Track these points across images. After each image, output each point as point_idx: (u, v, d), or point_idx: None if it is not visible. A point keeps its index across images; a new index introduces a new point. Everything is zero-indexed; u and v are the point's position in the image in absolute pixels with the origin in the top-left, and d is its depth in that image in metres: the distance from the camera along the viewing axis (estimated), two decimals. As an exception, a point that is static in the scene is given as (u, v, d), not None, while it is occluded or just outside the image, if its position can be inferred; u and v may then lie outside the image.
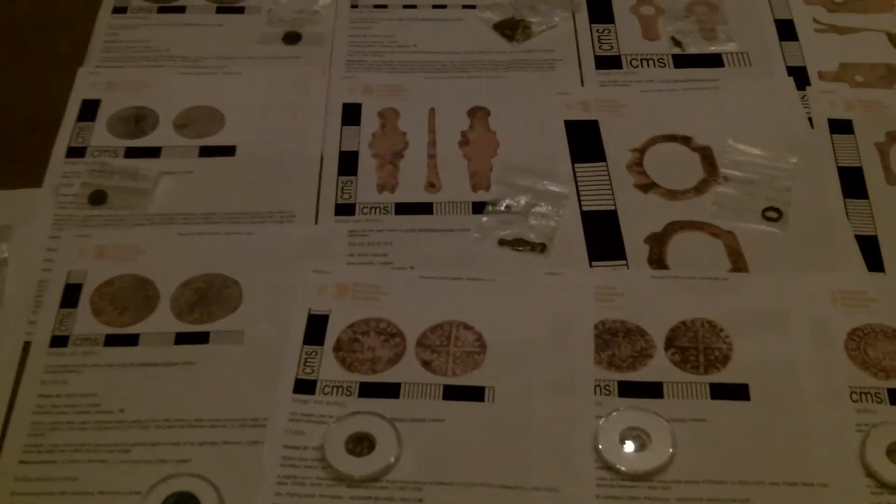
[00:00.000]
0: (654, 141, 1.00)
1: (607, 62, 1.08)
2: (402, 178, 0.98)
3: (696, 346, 0.86)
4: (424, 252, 0.93)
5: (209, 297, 0.89)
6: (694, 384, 0.84)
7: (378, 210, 0.96)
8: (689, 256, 0.92)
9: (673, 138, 1.00)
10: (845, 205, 0.95)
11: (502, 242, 0.93)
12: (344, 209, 0.96)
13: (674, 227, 0.94)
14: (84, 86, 1.06)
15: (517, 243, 0.93)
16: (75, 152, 1.00)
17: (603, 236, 0.93)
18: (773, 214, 0.94)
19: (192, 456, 0.81)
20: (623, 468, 0.79)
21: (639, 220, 0.94)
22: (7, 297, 0.90)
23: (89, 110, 1.04)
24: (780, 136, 1.00)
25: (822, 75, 1.06)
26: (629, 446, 0.80)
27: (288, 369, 0.85)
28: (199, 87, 1.06)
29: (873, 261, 0.91)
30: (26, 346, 0.87)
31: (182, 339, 0.87)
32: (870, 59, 1.07)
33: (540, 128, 1.02)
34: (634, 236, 0.93)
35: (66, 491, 0.79)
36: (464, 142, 1.01)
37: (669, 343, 0.86)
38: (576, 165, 0.98)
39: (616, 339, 0.86)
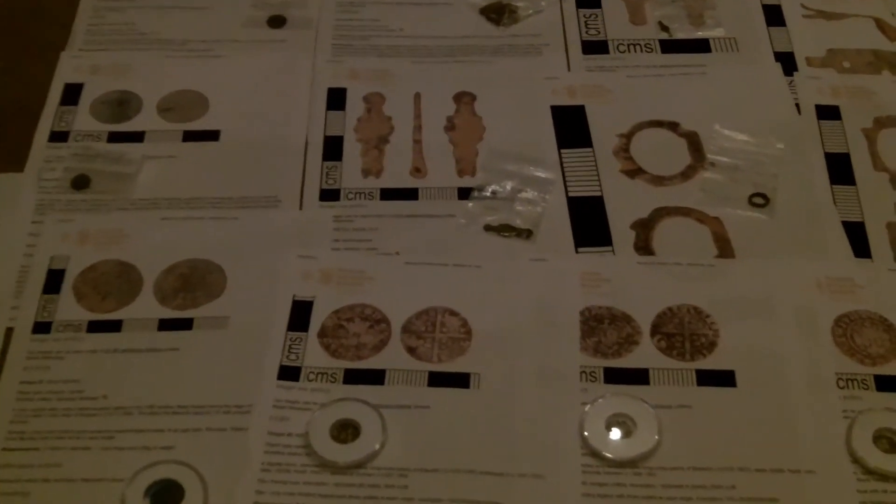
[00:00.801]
0: (641, 126, 1.00)
1: (594, 47, 1.07)
2: (388, 163, 0.98)
3: (682, 332, 0.85)
4: (410, 238, 0.92)
5: (193, 282, 0.89)
6: (680, 371, 0.83)
7: (363, 195, 0.95)
8: (675, 242, 0.92)
9: (660, 124, 1.00)
10: (832, 191, 0.95)
11: (488, 228, 0.92)
12: (329, 194, 0.95)
13: (660, 213, 0.93)
14: (67, 69, 1.05)
15: (503, 229, 0.92)
16: (58, 136, 1.00)
17: (589, 222, 0.93)
18: (759, 200, 0.94)
19: (175, 443, 0.80)
20: (609, 455, 0.79)
21: (625, 205, 0.94)
22: (-11, 282, 0.89)
23: (72, 94, 1.03)
24: (767, 122, 1.00)
25: (809, 61, 1.05)
26: (615, 433, 0.80)
27: (272, 356, 0.85)
28: (184, 71, 1.05)
29: (860, 247, 0.91)
30: (9, 333, 0.86)
31: (166, 325, 0.87)
32: (857, 44, 1.07)
33: (526, 113, 1.01)
34: (621, 222, 0.93)
35: (49, 478, 0.79)
36: (450, 127, 1.00)
37: (655, 329, 0.86)
38: (562, 151, 0.98)
39: (602, 326, 0.86)
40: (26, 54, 1.07)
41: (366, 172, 0.97)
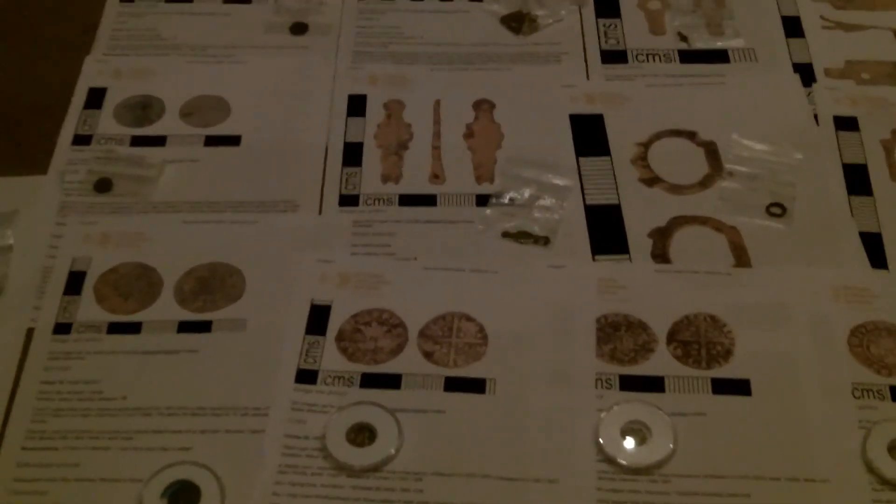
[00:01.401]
0: (659, 135, 1.00)
1: (613, 56, 1.08)
2: (407, 169, 0.98)
3: (698, 340, 0.86)
4: (428, 243, 0.93)
5: (212, 285, 0.90)
6: (695, 378, 0.84)
7: (382, 201, 0.96)
8: (692, 251, 0.92)
9: (678, 133, 1.00)
10: (849, 201, 0.95)
11: (506, 235, 0.93)
12: (348, 200, 0.96)
13: (677, 222, 0.94)
14: (91, 73, 1.06)
15: (520, 236, 0.93)
16: (81, 140, 1.01)
17: (606, 230, 0.93)
18: (777, 210, 0.94)
19: (193, 444, 0.81)
20: (624, 461, 0.79)
21: (642, 214, 0.94)
22: (11, 283, 0.90)
23: (96, 98, 1.04)
24: (786, 132, 1.00)
25: (828, 72, 1.05)
26: (630, 440, 0.80)
27: (290, 359, 0.85)
28: (206, 76, 1.06)
29: (877, 258, 0.91)
30: (30, 333, 0.87)
31: (185, 327, 0.87)
32: (876, 56, 1.07)
33: (545, 121, 1.02)
34: (638, 230, 0.93)
35: (67, 477, 0.80)
36: (468, 134, 1.01)
37: (671, 337, 0.86)
38: (580, 159, 0.98)
39: (618, 333, 0.86)
40: (51, 58, 1.08)
41: (385, 178, 0.98)
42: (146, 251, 0.92)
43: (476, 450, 0.80)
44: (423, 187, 0.97)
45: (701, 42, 1.08)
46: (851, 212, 0.94)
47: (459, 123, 1.02)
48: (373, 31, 1.10)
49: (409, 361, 0.85)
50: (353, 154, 0.99)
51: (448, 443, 0.81)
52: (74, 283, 0.90)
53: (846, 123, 1.01)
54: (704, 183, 0.97)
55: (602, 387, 0.83)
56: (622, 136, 1.00)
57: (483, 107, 1.03)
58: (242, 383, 0.84)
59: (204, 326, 0.87)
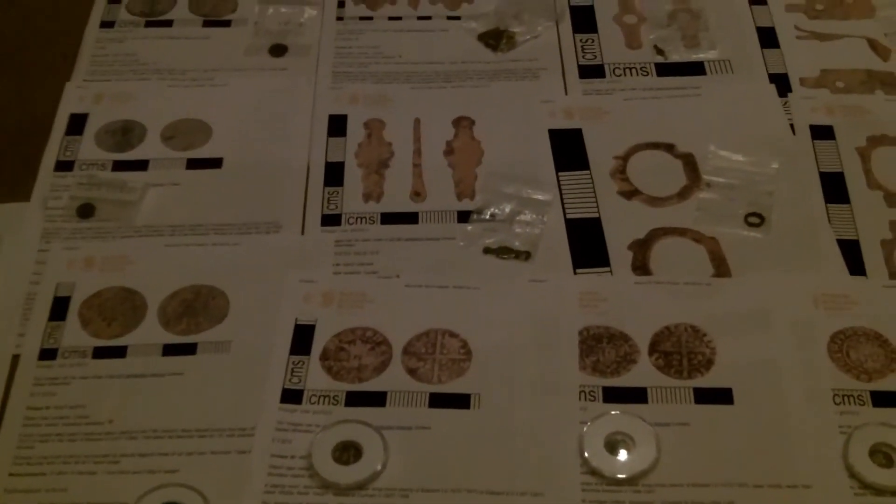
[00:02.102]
0: (638, 148, 1.01)
1: (591, 71, 1.08)
2: (388, 187, 0.99)
3: (680, 350, 0.86)
4: (410, 260, 0.93)
5: (196, 307, 0.90)
6: (678, 388, 0.84)
7: (364, 220, 0.96)
8: (672, 262, 0.92)
9: (656, 145, 1.01)
10: (827, 209, 0.96)
11: (487, 250, 0.94)
12: (330, 219, 0.96)
13: (657, 234, 0.94)
14: (72, 99, 1.07)
15: (502, 251, 0.93)
16: (63, 166, 1.01)
17: (587, 243, 0.94)
18: (755, 220, 0.95)
19: (180, 466, 0.81)
20: (608, 473, 0.79)
21: (622, 226, 0.95)
22: (-4, 309, 0.91)
23: (77, 124, 1.05)
24: (763, 142, 1.01)
25: (803, 81, 1.06)
26: (614, 451, 0.81)
27: (275, 379, 0.86)
28: (186, 99, 1.06)
29: (855, 265, 0.92)
30: (15, 359, 0.88)
31: (170, 350, 0.88)
32: (850, 64, 1.08)
33: (524, 136, 1.03)
34: (618, 243, 0.94)
35: (55, 502, 0.80)
36: (448, 151, 1.02)
37: (653, 348, 0.87)
38: (560, 173, 0.99)
39: (600, 345, 0.87)
40: (32, 85, 1.09)
41: (366, 197, 0.98)
42: (130, 275, 0.92)
43: (462, 465, 0.81)
44: (405, 205, 0.98)
45: (677, 55, 1.09)
46: (829, 219, 0.95)
47: (440, 140, 1.03)
48: (352, 51, 1.11)
49: (393, 378, 0.86)
50: (334, 173, 1.00)
51: (434, 458, 0.81)
52: (59, 308, 0.91)
53: (822, 132, 1.02)
54: (683, 194, 0.97)
55: (585, 399, 0.84)
56: (601, 150, 1.01)
57: (463, 123, 1.04)
58: (228, 404, 0.84)
59: (189, 349, 0.88)
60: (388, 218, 0.96)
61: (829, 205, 0.96)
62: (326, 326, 0.89)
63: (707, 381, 0.85)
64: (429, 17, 1.14)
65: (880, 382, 0.84)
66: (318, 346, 0.87)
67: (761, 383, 0.84)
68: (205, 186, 0.99)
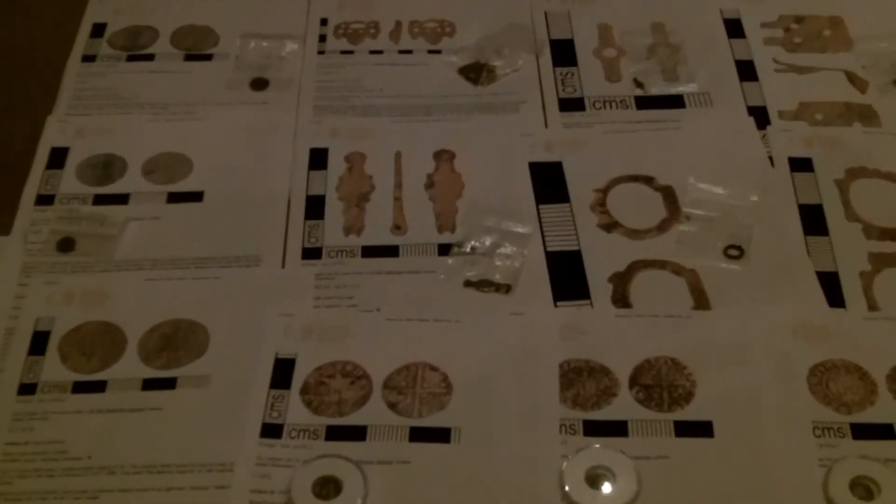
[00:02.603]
0: (618, 181, 1.01)
1: (571, 104, 1.09)
2: (369, 220, 0.99)
3: (660, 383, 0.86)
4: (391, 294, 0.93)
5: (176, 342, 0.90)
6: (658, 422, 0.84)
7: (345, 253, 0.96)
8: (652, 294, 0.93)
9: (636, 178, 1.02)
10: (806, 242, 0.96)
11: (468, 284, 0.94)
12: (311, 253, 0.96)
13: (637, 266, 0.95)
14: (53, 133, 1.07)
15: (482, 284, 0.94)
16: (44, 200, 1.01)
17: (567, 276, 0.94)
18: (734, 252, 0.95)
19: (159, 501, 0.81)
20: (589, 507, 0.80)
21: (602, 259, 0.95)
22: (-25, 344, 0.90)
23: (58, 157, 1.05)
24: (742, 174, 1.01)
25: (781, 114, 1.07)
26: (595, 485, 0.80)
27: (255, 413, 0.85)
28: (167, 133, 1.06)
29: (834, 297, 0.92)
30: (-6, 394, 0.87)
31: (149, 384, 0.87)
32: (829, 97, 1.09)
33: (504, 169, 1.03)
34: (598, 275, 0.94)
35: (33, 538, 0.79)
36: (429, 184, 1.02)
37: (633, 381, 0.87)
38: (540, 206, 0.99)
39: (581, 378, 0.87)
40: (13, 119, 1.09)
41: (347, 230, 0.98)
42: (109, 309, 0.92)
43: (442, 499, 0.81)
44: (386, 238, 0.98)
45: (656, 88, 1.10)
46: (808, 252, 0.95)
47: (420, 174, 1.03)
48: (333, 85, 1.12)
49: (373, 413, 0.85)
50: (315, 207, 1.00)
51: (414, 493, 0.81)
52: (38, 342, 0.90)
53: (801, 164, 1.02)
54: (662, 227, 0.98)
55: (566, 432, 0.84)
56: (581, 183, 1.01)
57: (443, 157, 1.04)
58: (207, 439, 0.84)
59: (168, 383, 0.88)
60: (369, 251, 0.96)
61: (807, 237, 0.96)
62: (307, 360, 0.88)
63: (687, 413, 0.85)
64: (410, 51, 1.15)
65: (860, 415, 0.84)
66: (298, 381, 0.87)
67: (742, 416, 0.84)
68: (185, 220, 0.99)
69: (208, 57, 1.14)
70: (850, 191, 1.00)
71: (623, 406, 0.85)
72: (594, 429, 0.84)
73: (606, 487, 0.80)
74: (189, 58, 1.14)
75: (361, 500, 0.80)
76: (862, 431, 0.83)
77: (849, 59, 1.12)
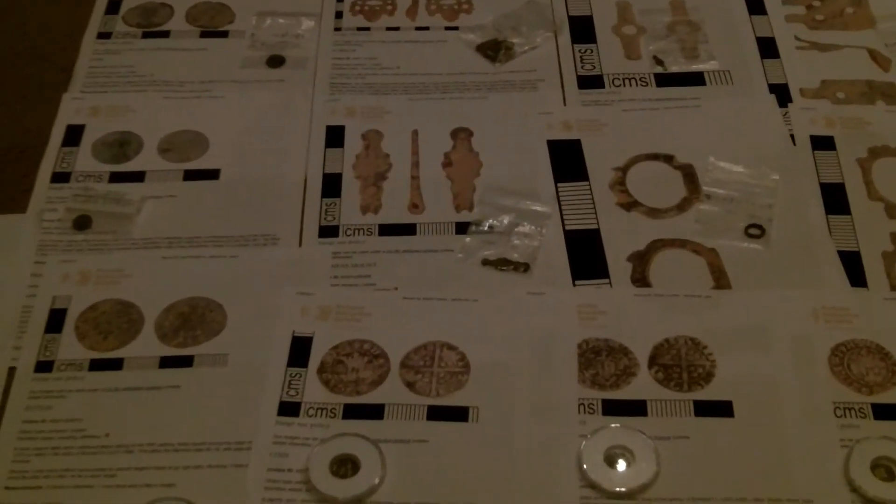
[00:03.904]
0: (637, 160, 1.01)
1: (590, 82, 1.08)
2: (386, 199, 0.98)
3: (680, 363, 0.86)
4: (408, 273, 0.93)
5: (193, 320, 0.90)
6: (677, 402, 0.84)
7: (362, 232, 0.96)
8: (671, 274, 0.92)
9: (655, 157, 1.01)
10: (828, 221, 0.95)
11: (485, 263, 0.93)
12: (328, 231, 0.96)
13: (656, 246, 0.94)
14: (69, 111, 1.06)
15: (500, 263, 0.93)
16: (60, 177, 1.01)
17: (586, 255, 0.93)
18: (755, 231, 0.94)
19: (176, 480, 0.81)
20: (607, 486, 0.79)
21: (622, 238, 0.95)
22: (-9, 322, 0.90)
23: (74, 135, 1.04)
24: (762, 153, 1.00)
25: (803, 92, 1.06)
26: (613, 464, 0.80)
27: (272, 392, 0.85)
28: (183, 111, 1.06)
29: (856, 277, 0.91)
30: (11, 372, 0.87)
31: (166, 363, 0.87)
32: (851, 75, 1.08)
33: (523, 148, 1.02)
34: (617, 255, 0.93)
35: (51, 516, 0.79)
36: (446, 163, 1.01)
37: (653, 361, 0.86)
38: (559, 185, 0.99)
39: (599, 358, 0.86)
40: (26, 97, 1.09)
41: (364, 209, 0.98)
42: (126, 288, 0.92)
43: (460, 478, 0.80)
44: (403, 217, 0.97)
45: (676, 66, 1.09)
46: (830, 231, 0.94)
47: (437, 152, 1.02)
48: (349, 63, 1.11)
49: (391, 392, 0.85)
50: (332, 185, 1.00)
51: (432, 472, 0.81)
52: (55, 321, 0.90)
53: (823, 143, 1.01)
54: (682, 206, 0.97)
55: (585, 412, 0.83)
56: (600, 161, 1.00)
57: (461, 135, 1.03)
58: (224, 418, 0.84)
59: (185, 362, 0.87)
60: (386, 230, 0.96)
61: (829, 216, 0.95)
62: (324, 339, 0.88)
63: (707, 394, 0.84)
64: (427, 28, 1.14)
65: (881, 395, 0.84)
66: (315, 359, 0.87)
67: (762, 396, 0.84)
68: (202, 198, 0.99)
69: (224, 34, 1.14)
70: (872, 170, 0.99)
71: (642, 386, 0.85)
72: (613, 408, 0.84)
73: (625, 467, 0.80)
74: (204, 35, 1.14)
75: (379, 478, 0.80)
76: (883, 412, 0.83)
77: (871, 36, 1.11)
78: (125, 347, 0.88)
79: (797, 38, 1.12)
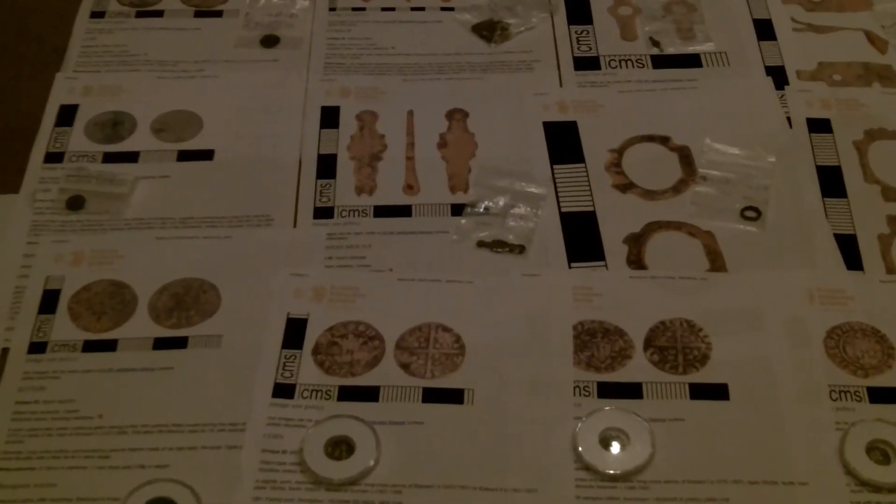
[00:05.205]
0: (633, 141, 1.00)
1: (586, 63, 1.08)
2: (381, 180, 0.98)
3: (675, 345, 0.86)
4: (403, 254, 0.93)
5: (187, 301, 0.89)
6: (673, 384, 0.84)
7: (356, 213, 0.95)
8: (667, 256, 0.92)
9: (651, 138, 1.01)
10: (824, 203, 0.95)
11: (481, 244, 0.93)
12: (322, 212, 0.96)
13: (652, 228, 0.94)
14: (62, 91, 1.06)
15: (496, 245, 0.93)
16: (53, 157, 1.00)
17: (581, 237, 0.93)
18: (751, 214, 0.94)
19: (170, 461, 0.81)
20: (602, 468, 0.79)
21: (617, 220, 0.94)
22: (-16, 303, 0.90)
23: (67, 115, 1.04)
24: (759, 135, 1.00)
25: (799, 74, 1.06)
26: (608, 446, 0.80)
27: (266, 373, 0.85)
28: (177, 91, 1.06)
29: (852, 259, 0.91)
30: (4, 353, 0.87)
31: (160, 344, 0.87)
32: (847, 57, 1.07)
33: (518, 129, 1.02)
34: (613, 237, 0.93)
35: (44, 497, 0.79)
36: (442, 144, 1.01)
37: (648, 343, 0.86)
38: (554, 166, 0.98)
39: (595, 340, 0.86)
40: (18, 78, 1.08)
41: (359, 190, 0.97)
42: (119, 268, 0.92)
43: (455, 460, 0.80)
44: (398, 198, 0.97)
45: (673, 47, 1.09)
46: (826, 214, 0.94)
47: (433, 133, 1.02)
48: (344, 43, 1.10)
49: (386, 373, 0.85)
50: (326, 166, 0.99)
51: (427, 454, 0.81)
52: (48, 302, 0.90)
53: (819, 125, 1.01)
54: (678, 188, 0.97)
55: (580, 394, 0.83)
56: (596, 143, 1.00)
57: (456, 116, 1.03)
58: (219, 399, 0.84)
59: (179, 343, 0.87)
60: (381, 211, 0.96)
61: (825, 199, 0.95)
62: (318, 321, 0.88)
63: (702, 376, 0.84)
64: (422, 9, 1.14)
65: (877, 378, 0.84)
66: (310, 341, 0.87)
67: (757, 379, 0.84)
68: (196, 179, 0.98)
69: (218, 14, 1.13)
70: (868, 152, 0.99)
71: (637, 368, 0.85)
72: (608, 391, 0.83)
73: (620, 449, 0.80)
74: (198, 14, 1.13)
75: (374, 460, 0.79)
76: (879, 395, 0.83)
77: (868, 18, 1.11)
78: (119, 328, 0.88)
79: (794, 20, 1.11)
